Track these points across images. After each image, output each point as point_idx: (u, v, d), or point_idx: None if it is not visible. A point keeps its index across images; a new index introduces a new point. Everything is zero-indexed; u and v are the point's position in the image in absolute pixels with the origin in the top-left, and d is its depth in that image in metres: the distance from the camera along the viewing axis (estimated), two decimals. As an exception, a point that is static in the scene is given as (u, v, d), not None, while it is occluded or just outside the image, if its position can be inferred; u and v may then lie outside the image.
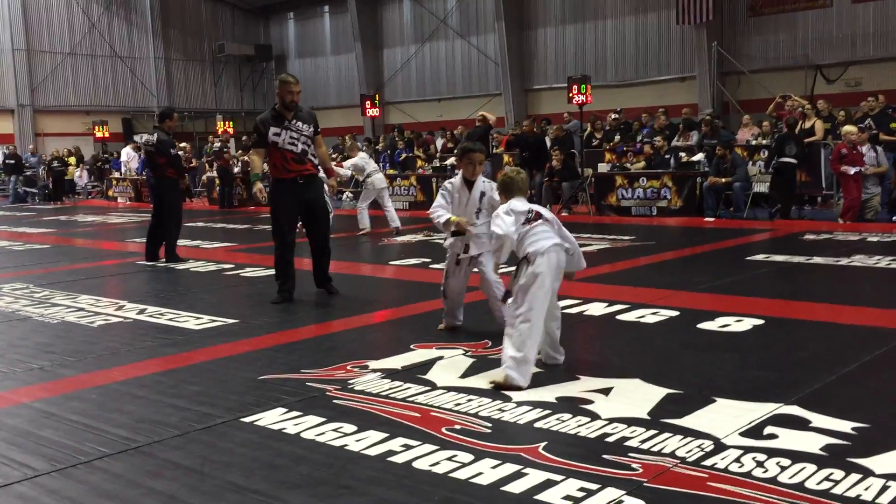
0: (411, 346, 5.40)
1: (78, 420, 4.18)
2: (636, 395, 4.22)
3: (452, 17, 26.25)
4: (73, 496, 3.27)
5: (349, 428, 3.87)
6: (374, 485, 3.24)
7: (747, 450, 3.43)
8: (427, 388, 4.49)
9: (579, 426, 3.81)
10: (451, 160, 17.90)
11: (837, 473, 3.17)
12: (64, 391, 4.72)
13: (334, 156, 18.00)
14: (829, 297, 6.80)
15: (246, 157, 20.08)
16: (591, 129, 17.80)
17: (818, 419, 3.77)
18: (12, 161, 24.75)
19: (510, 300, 4.61)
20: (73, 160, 25.68)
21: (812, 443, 3.49)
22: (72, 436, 3.94)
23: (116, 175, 24.14)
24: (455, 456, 3.48)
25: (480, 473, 3.30)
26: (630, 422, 3.83)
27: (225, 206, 19.48)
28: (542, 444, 3.57)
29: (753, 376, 4.53)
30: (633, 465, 3.32)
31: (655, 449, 3.49)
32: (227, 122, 25.68)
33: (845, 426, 3.66)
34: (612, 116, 18.15)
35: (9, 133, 27.90)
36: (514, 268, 4.71)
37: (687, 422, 3.79)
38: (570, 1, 23.41)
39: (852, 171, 11.81)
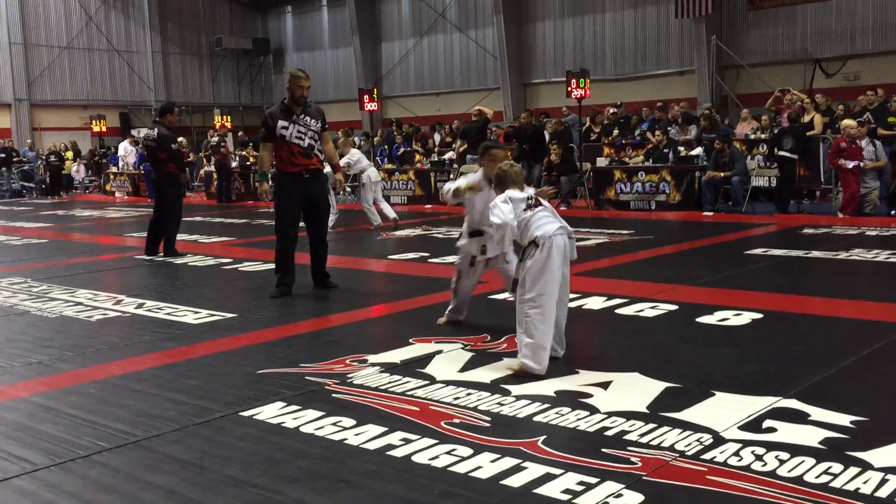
0: (410, 340, 5.40)
1: (76, 414, 4.18)
2: (635, 389, 4.22)
3: (451, 11, 26.19)
4: (72, 490, 3.27)
5: (348, 422, 3.88)
6: (374, 478, 3.24)
7: (746, 443, 3.44)
8: (426, 382, 4.49)
9: (578, 420, 3.81)
10: (450, 154, 17.89)
11: (836, 467, 3.18)
12: (62, 385, 4.72)
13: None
14: (827, 291, 6.81)
15: (244, 153, 20.08)
16: (589, 123, 17.78)
17: (817, 413, 3.77)
18: (2, 155, 24.67)
19: (519, 287, 4.60)
20: (70, 155, 25.63)
21: (811, 436, 3.50)
22: (70, 430, 3.94)
23: (114, 170, 24.10)
24: (454, 450, 3.49)
25: (479, 467, 3.30)
26: (629, 415, 3.83)
27: (223, 200, 19.43)
28: (542, 438, 3.57)
29: (752, 370, 4.53)
30: (632, 459, 3.32)
31: (654, 443, 3.49)
32: (224, 117, 25.59)
33: (844, 420, 3.67)
34: (611, 110, 18.12)
35: (6, 127, 27.81)
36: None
37: (686, 415, 3.80)
38: (568, -6, 23.39)
39: (851, 165, 11.80)
